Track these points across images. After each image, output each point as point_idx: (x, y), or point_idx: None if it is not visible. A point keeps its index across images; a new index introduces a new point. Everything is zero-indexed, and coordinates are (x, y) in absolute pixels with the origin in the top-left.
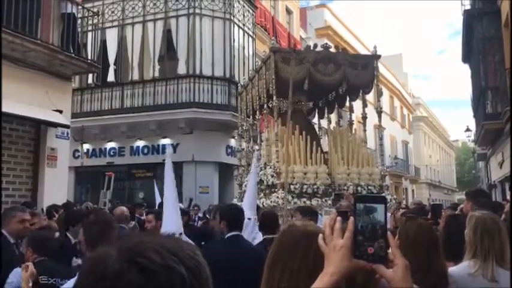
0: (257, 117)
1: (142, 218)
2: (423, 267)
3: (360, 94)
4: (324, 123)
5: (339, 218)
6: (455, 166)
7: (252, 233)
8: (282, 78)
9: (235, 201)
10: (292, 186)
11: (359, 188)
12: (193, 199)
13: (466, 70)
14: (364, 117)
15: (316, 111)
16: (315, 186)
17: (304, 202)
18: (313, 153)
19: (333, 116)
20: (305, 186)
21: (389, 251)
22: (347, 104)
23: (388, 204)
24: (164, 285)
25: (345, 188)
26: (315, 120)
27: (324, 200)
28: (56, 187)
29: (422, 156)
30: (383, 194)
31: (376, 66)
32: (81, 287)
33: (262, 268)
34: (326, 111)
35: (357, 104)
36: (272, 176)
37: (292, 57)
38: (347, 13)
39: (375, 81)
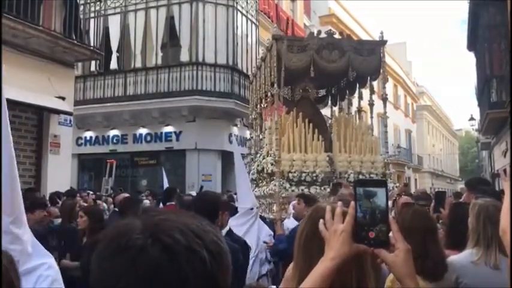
0: (263, 105)
1: (145, 204)
2: (419, 254)
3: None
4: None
5: (339, 203)
6: (459, 155)
7: (255, 225)
8: (285, 65)
9: None
10: (290, 174)
11: (360, 176)
12: (203, 186)
13: (471, 58)
14: (371, 104)
15: (330, 98)
16: (314, 175)
17: (302, 190)
18: (314, 141)
19: (345, 104)
20: (304, 174)
21: (391, 235)
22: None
23: (390, 193)
24: (185, 267)
25: (346, 175)
26: (328, 108)
27: (323, 188)
28: (59, 174)
29: (425, 145)
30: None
31: (383, 52)
32: (102, 255)
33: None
34: (338, 98)
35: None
36: (272, 164)
37: (284, 40)
38: (351, 1)
39: (382, 67)
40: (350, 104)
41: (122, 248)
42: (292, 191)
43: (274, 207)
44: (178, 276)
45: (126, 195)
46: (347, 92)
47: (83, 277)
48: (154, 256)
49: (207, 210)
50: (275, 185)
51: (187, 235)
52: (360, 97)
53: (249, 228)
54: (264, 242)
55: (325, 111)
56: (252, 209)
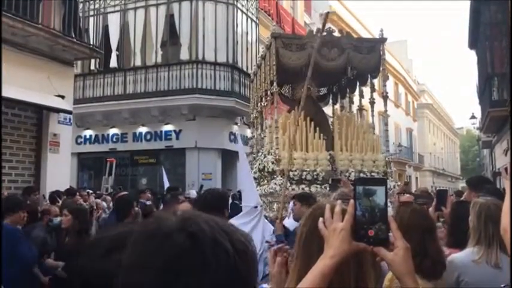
0: (263, 104)
1: (147, 203)
2: (418, 253)
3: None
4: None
5: (339, 201)
6: (460, 154)
7: (260, 223)
8: (284, 64)
9: None
10: (291, 173)
11: (361, 175)
12: (203, 185)
13: (472, 57)
14: (372, 102)
15: (331, 97)
16: (315, 173)
17: (303, 189)
18: (315, 140)
19: (346, 102)
20: (304, 173)
21: (391, 233)
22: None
23: (391, 191)
24: (208, 256)
25: (347, 174)
26: (331, 106)
27: (323, 186)
28: (59, 173)
29: (426, 144)
30: (387, 180)
31: (382, 50)
32: (135, 241)
33: None
34: (339, 97)
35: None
36: (272, 163)
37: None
38: (352, 0)
39: (381, 65)
40: (351, 102)
41: (151, 234)
42: (293, 189)
43: (275, 206)
44: (202, 263)
45: (125, 193)
46: (347, 90)
47: (69, 279)
48: (179, 242)
49: (212, 207)
50: (275, 183)
51: (214, 228)
52: (361, 95)
53: (254, 227)
54: (267, 242)
55: (329, 110)
56: (256, 207)
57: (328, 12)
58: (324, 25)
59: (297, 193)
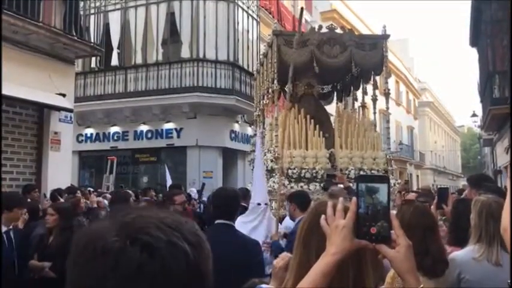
0: (265, 102)
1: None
2: (419, 251)
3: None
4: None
5: (341, 199)
6: (461, 152)
7: (263, 222)
8: (286, 61)
9: (249, 186)
10: (290, 171)
11: (361, 173)
12: (205, 183)
13: (473, 54)
14: (375, 99)
15: (335, 94)
16: (314, 171)
17: (302, 187)
18: (315, 138)
19: (350, 100)
20: (303, 171)
21: (393, 231)
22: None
23: (391, 189)
24: (168, 262)
25: (346, 172)
26: (334, 104)
27: (322, 184)
28: (60, 171)
29: (427, 142)
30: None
31: (385, 47)
32: (80, 261)
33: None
34: (343, 94)
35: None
36: (271, 161)
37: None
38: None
39: (384, 62)
40: (355, 99)
41: (99, 252)
42: (291, 187)
43: (273, 204)
44: (163, 271)
45: (129, 191)
46: (351, 87)
47: (59, 279)
48: (135, 257)
49: (225, 206)
50: (274, 181)
51: (164, 230)
52: (365, 92)
53: (257, 226)
54: (264, 243)
55: (333, 108)
56: (259, 204)
57: (302, 8)
58: (300, 22)
59: (290, 193)
